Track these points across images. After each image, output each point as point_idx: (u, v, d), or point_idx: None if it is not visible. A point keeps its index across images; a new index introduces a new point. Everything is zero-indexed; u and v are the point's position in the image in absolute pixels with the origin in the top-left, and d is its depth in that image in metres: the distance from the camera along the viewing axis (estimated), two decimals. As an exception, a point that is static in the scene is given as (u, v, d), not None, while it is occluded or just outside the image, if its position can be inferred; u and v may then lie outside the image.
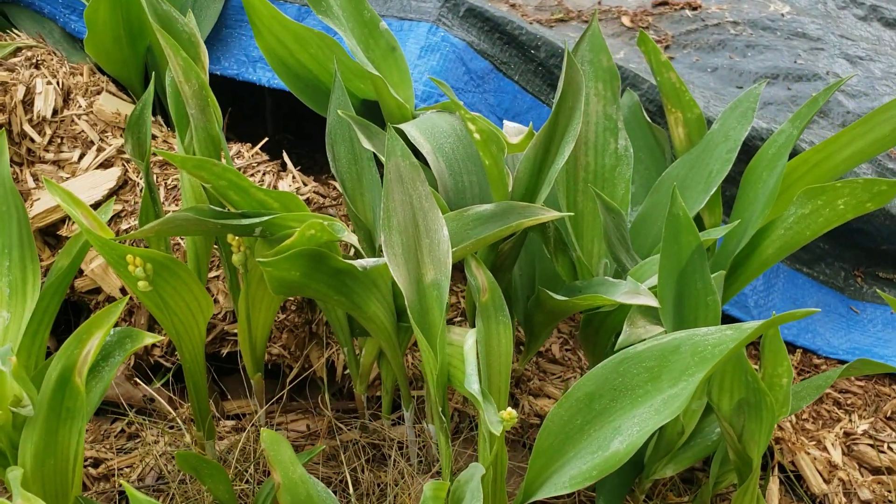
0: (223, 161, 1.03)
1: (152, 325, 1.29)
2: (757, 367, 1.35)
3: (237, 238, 0.98)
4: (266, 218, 0.95)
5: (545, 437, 0.95)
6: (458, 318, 1.37)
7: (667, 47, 1.86)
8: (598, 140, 1.17)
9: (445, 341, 0.98)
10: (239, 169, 1.30)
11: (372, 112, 1.31)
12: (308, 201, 1.30)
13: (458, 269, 1.19)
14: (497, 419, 0.88)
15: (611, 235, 1.11)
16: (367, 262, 1.00)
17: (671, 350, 0.91)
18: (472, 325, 1.10)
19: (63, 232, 1.28)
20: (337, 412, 1.33)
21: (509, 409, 0.88)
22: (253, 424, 1.23)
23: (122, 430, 1.32)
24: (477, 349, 1.00)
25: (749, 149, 1.37)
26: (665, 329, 0.98)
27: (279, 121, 1.79)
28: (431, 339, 0.99)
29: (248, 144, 1.35)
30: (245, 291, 1.05)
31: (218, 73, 1.42)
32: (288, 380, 1.33)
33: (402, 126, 1.18)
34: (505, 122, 1.25)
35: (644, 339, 0.98)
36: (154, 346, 1.31)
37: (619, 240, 1.13)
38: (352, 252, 1.16)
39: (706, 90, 1.62)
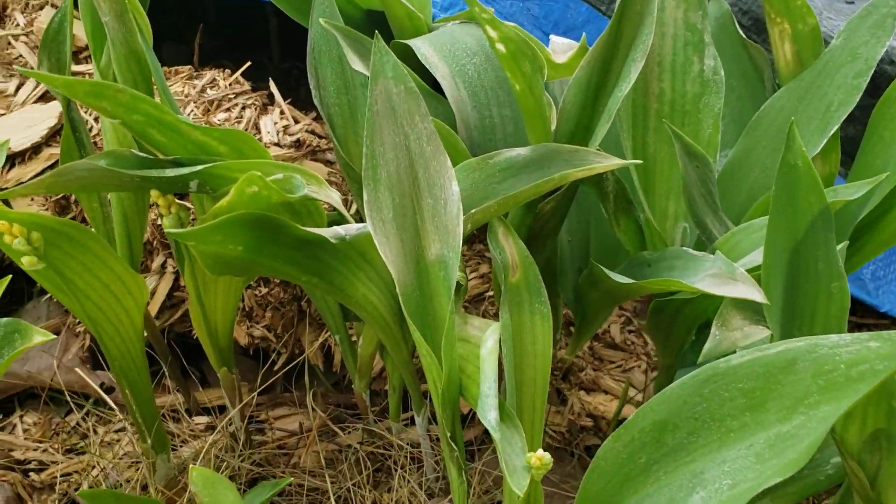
0: (155, 89, 0.75)
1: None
2: None
3: (166, 195, 0.70)
4: (201, 167, 0.67)
5: (595, 480, 0.67)
6: (480, 305, 1.09)
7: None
8: (677, 59, 0.85)
9: (454, 340, 0.70)
10: (211, 102, 1.02)
11: (379, 25, 1.01)
12: (298, 143, 1.02)
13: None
14: (522, 466, 0.60)
15: (693, 191, 0.81)
16: (344, 229, 0.71)
17: (782, 367, 0.61)
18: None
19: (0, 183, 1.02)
20: (337, 408, 1.07)
21: (541, 452, 0.59)
22: (222, 427, 0.97)
23: (77, 425, 1.08)
24: (501, 352, 0.72)
25: (879, 76, 1.03)
26: (772, 333, 0.68)
27: (289, 47, 1.50)
28: (434, 338, 0.71)
29: (227, 71, 1.07)
30: (191, 267, 0.78)
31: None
32: (276, 368, 1.06)
33: (411, 41, 0.88)
34: (552, 37, 0.94)
35: (741, 348, 0.68)
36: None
37: (704, 197, 0.82)
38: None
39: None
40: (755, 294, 0.66)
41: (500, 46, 0.72)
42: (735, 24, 0.98)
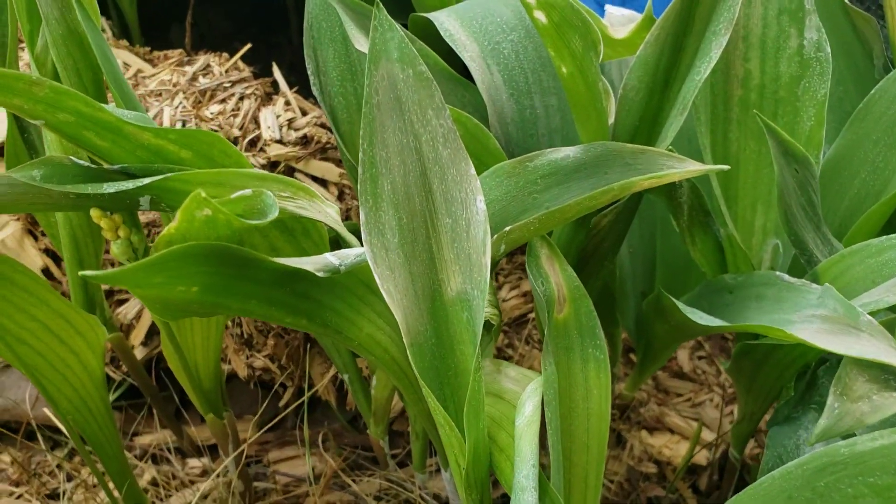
0: (105, 81, 0.60)
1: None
2: None
3: (109, 215, 0.55)
4: (150, 180, 0.51)
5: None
6: (522, 329, 0.92)
7: None
8: (768, 32, 0.67)
9: (481, 405, 0.53)
10: (202, 92, 0.86)
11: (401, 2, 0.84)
12: (304, 139, 0.86)
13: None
14: None
15: (790, 201, 0.63)
16: (339, 256, 0.55)
17: (935, 456, 0.44)
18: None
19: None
20: (353, 450, 0.91)
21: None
22: (216, 474, 0.82)
23: (58, 467, 0.94)
24: (543, 416, 0.55)
25: None
26: (914, 404, 0.50)
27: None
28: (456, 400, 0.55)
29: (224, 55, 0.91)
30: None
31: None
32: (281, 403, 0.91)
33: (432, 14, 0.71)
34: (607, 7, 0.77)
35: (869, 426, 0.50)
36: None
37: (804, 209, 0.64)
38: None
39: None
40: (890, 353, 0.48)
41: (540, 15, 0.54)
42: (836, -11, 0.80)
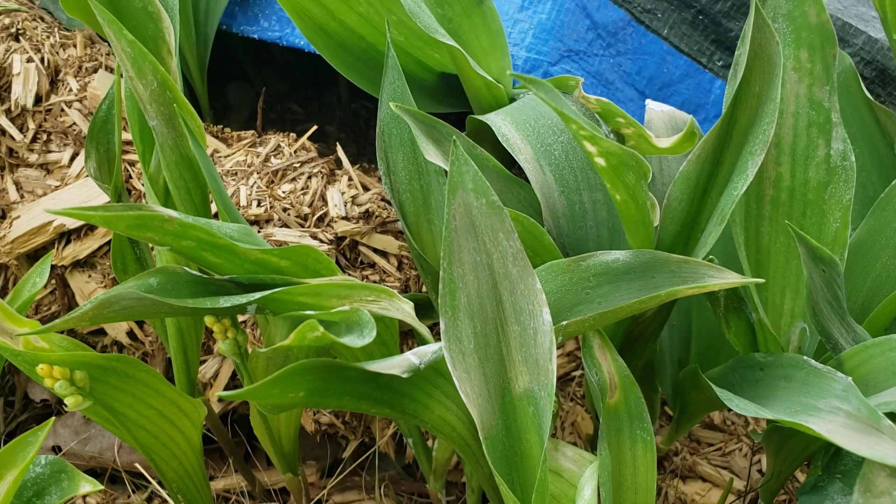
0: (211, 199, 0.68)
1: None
2: None
3: (220, 320, 0.63)
4: (260, 294, 0.59)
5: None
6: (567, 386, 1.00)
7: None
8: (798, 141, 0.74)
9: (547, 487, 0.61)
10: (275, 172, 0.94)
11: (454, 90, 0.92)
12: (367, 214, 0.94)
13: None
14: None
15: (817, 298, 0.70)
16: (418, 356, 0.63)
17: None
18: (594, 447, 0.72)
19: (56, 260, 0.97)
20: (410, 496, 0.99)
21: None
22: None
23: (140, 509, 1.02)
24: (599, 493, 0.63)
25: None
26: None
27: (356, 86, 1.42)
28: (522, 482, 0.62)
29: (292, 135, 1.00)
30: (249, 382, 0.70)
31: (256, 36, 1.06)
32: (344, 454, 0.99)
33: (488, 117, 0.79)
34: (648, 103, 0.84)
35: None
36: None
37: (829, 303, 0.71)
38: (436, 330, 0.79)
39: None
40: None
41: (601, 161, 0.62)
42: (860, 82, 0.87)
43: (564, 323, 0.67)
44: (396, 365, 0.61)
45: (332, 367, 0.57)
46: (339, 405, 0.62)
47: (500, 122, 0.78)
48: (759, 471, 1.05)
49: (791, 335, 0.79)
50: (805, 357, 0.71)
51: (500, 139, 0.77)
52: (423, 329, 0.70)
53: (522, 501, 0.61)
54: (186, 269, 0.64)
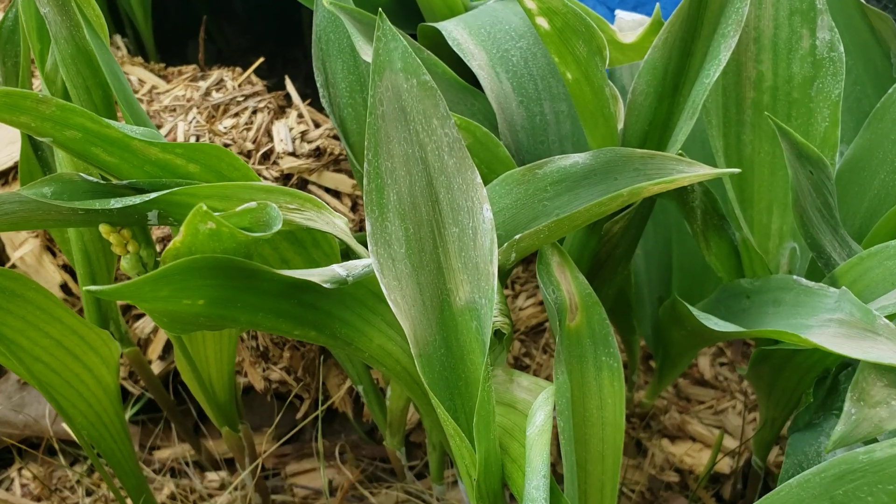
0: (116, 99, 0.60)
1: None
2: None
3: (119, 230, 0.55)
4: (157, 194, 0.51)
5: None
6: (539, 338, 0.91)
7: None
8: (780, 33, 0.66)
9: (491, 416, 0.52)
10: (216, 106, 0.87)
11: (409, 11, 0.84)
12: (317, 151, 0.86)
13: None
14: None
15: (805, 204, 0.62)
16: (346, 268, 0.55)
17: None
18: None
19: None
20: (371, 461, 0.91)
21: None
22: (233, 488, 0.82)
23: (78, 482, 0.94)
24: (556, 426, 0.54)
25: None
26: (935, 408, 0.49)
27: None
28: (467, 410, 0.54)
29: (237, 69, 0.92)
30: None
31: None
32: (298, 415, 0.91)
33: (440, 24, 0.71)
34: (617, 12, 0.76)
35: (888, 432, 0.49)
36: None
37: (819, 211, 0.63)
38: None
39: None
40: (908, 356, 0.47)
41: (542, 21, 0.54)
42: (851, -14, 0.78)
43: (518, 237, 0.59)
44: (318, 274, 0.53)
45: (238, 268, 0.49)
46: (253, 323, 0.53)
47: (452, 27, 0.70)
48: (755, 429, 0.97)
49: (780, 258, 0.70)
50: (795, 277, 0.62)
51: (451, 44, 0.69)
52: (361, 249, 0.62)
53: (466, 431, 0.53)
54: (84, 175, 0.56)
